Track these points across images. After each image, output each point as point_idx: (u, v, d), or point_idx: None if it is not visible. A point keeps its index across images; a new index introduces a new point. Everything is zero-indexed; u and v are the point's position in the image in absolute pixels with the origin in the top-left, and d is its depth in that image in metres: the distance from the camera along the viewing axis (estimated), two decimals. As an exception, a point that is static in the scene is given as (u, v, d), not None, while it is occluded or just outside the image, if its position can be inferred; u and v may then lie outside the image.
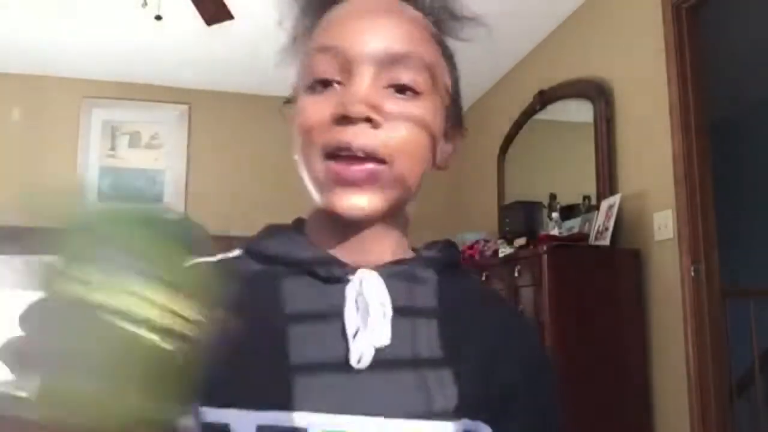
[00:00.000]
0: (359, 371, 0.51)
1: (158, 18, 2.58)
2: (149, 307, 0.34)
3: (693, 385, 2.24)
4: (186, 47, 3.58)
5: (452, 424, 0.52)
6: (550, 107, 3.29)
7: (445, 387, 0.54)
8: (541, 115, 3.37)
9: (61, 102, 4.00)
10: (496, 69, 3.75)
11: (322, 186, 0.55)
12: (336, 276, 0.55)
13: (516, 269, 2.54)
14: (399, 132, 0.54)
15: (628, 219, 2.60)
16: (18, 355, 0.37)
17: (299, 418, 0.50)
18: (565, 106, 3.20)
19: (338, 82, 0.55)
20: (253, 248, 0.61)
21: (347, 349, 0.52)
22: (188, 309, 0.35)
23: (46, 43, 3.56)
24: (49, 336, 0.35)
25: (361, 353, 0.51)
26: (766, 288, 3.56)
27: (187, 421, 0.46)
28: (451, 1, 0.62)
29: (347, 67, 0.54)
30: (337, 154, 0.53)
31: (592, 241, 2.61)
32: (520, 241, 2.90)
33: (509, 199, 3.51)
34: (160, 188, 4.10)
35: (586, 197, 2.87)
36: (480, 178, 3.77)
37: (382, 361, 0.52)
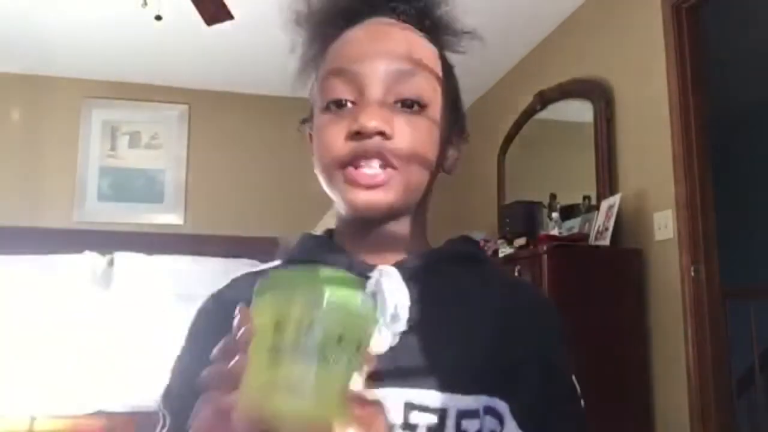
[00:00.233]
0: (383, 354, 0.55)
1: (158, 18, 2.58)
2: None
3: (693, 385, 2.24)
4: (186, 47, 3.58)
5: (472, 398, 0.58)
6: (550, 107, 3.29)
7: (462, 366, 0.59)
8: (541, 115, 3.37)
9: (61, 102, 4.00)
10: (496, 69, 3.75)
11: (343, 191, 0.62)
12: (357, 273, 0.58)
13: (516, 269, 2.54)
14: (407, 143, 0.61)
15: (628, 219, 2.60)
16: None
17: None
18: (565, 106, 3.20)
19: (351, 102, 0.62)
20: (294, 257, 0.70)
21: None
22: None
23: (46, 43, 3.56)
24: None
25: (381, 338, 0.56)
26: (766, 288, 3.56)
27: None
28: (449, 19, 0.69)
29: (359, 87, 0.62)
30: (354, 163, 0.61)
31: (592, 241, 2.61)
32: (520, 241, 2.90)
33: (509, 199, 3.51)
34: (160, 188, 4.10)
35: (586, 197, 2.87)
36: (480, 178, 3.77)
37: (403, 345, 0.58)
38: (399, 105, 0.62)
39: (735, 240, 3.11)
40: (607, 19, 2.90)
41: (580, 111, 3.01)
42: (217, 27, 2.67)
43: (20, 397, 2.30)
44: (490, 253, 3.05)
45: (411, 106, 0.62)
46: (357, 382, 0.45)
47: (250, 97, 4.24)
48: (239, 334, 0.44)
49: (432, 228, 0.73)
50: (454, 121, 0.69)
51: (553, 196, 3.08)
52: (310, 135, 0.69)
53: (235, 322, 0.45)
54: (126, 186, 4.06)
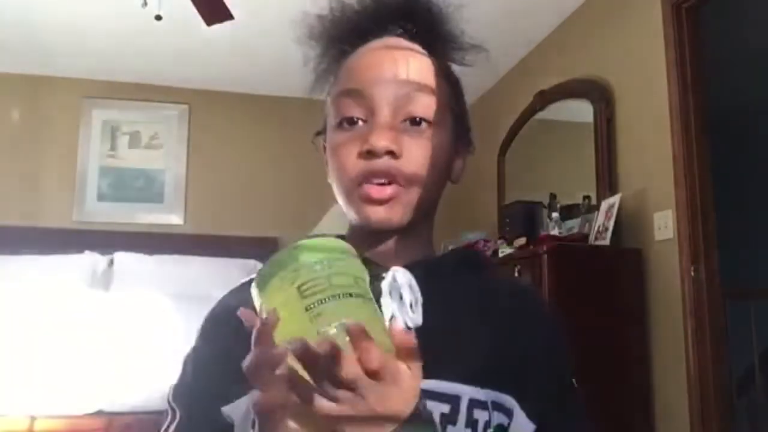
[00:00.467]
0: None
1: (158, 18, 2.58)
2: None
3: (693, 385, 2.24)
4: (186, 47, 3.58)
5: (482, 390, 0.62)
6: (550, 107, 3.29)
7: (472, 360, 0.63)
8: (541, 115, 3.37)
9: (61, 102, 4.00)
10: (496, 69, 3.75)
11: (356, 206, 0.67)
12: (372, 274, 0.62)
13: (516, 269, 2.54)
14: (415, 160, 0.66)
15: (628, 219, 2.60)
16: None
17: None
18: (565, 106, 3.20)
19: (362, 120, 0.67)
20: None
21: None
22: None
23: (46, 43, 3.56)
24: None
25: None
26: (766, 288, 3.56)
27: None
28: (455, 33, 0.73)
29: (369, 106, 0.66)
30: (367, 181, 0.66)
31: (592, 241, 2.61)
32: (520, 241, 2.90)
33: (509, 199, 3.51)
34: (160, 188, 4.10)
35: (586, 197, 2.87)
36: (480, 178, 3.76)
37: (417, 338, 0.60)
38: (407, 123, 0.66)
39: (735, 240, 3.10)
40: (607, 19, 2.90)
41: (580, 111, 3.01)
42: (217, 27, 2.67)
43: (20, 397, 2.30)
44: (490, 253, 3.05)
45: (419, 123, 0.67)
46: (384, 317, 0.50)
47: (250, 97, 4.24)
48: (257, 329, 0.47)
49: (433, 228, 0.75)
50: (461, 133, 0.73)
51: (553, 196, 3.08)
52: (324, 147, 0.74)
53: (250, 328, 0.48)
54: (126, 186, 4.06)
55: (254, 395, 0.46)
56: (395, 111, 0.66)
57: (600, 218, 2.61)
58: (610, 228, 2.51)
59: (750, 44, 3.47)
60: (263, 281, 0.49)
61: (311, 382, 0.45)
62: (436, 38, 0.72)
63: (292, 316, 0.47)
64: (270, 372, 0.45)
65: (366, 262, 0.65)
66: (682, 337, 2.28)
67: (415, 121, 0.66)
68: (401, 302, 0.60)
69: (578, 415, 0.70)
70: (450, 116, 0.70)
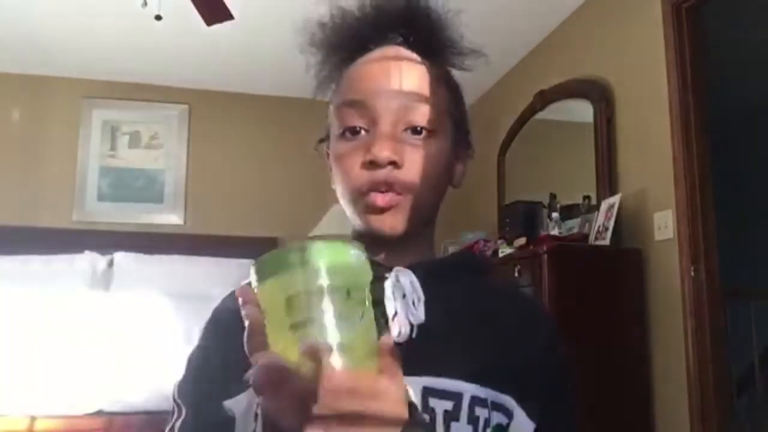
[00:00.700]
0: (402, 345, 0.59)
1: (158, 18, 2.58)
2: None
3: (693, 385, 2.24)
4: (186, 47, 3.58)
5: (482, 389, 0.63)
6: (550, 107, 3.29)
7: (473, 358, 0.64)
8: (541, 115, 3.37)
9: (61, 102, 4.00)
10: (496, 69, 3.75)
11: (361, 214, 0.69)
12: (375, 274, 0.63)
13: (516, 269, 2.54)
14: (417, 170, 0.68)
15: (628, 219, 2.60)
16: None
17: None
18: (565, 106, 3.20)
19: (364, 129, 0.69)
20: None
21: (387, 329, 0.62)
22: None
23: (46, 43, 3.56)
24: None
25: (400, 328, 0.61)
26: (766, 288, 3.56)
27: None
28: (455, 39, 0.74)
29: (371, 116, 0.68)
30: (370, 191, 0.67)
31: (592, 241, 2.61)
32: (520, 241, 2.90)
33: (509, 199, 3.51)
34: (160, 188, 4.10)
35: (586, 197, 2.87)
36: (480, 178, 3.76)
37: (419, 336, 0.62)
38: (408, 132, 0.68)
39: (735, 240, 3.11)
40: (607, 19, 2.90)
41: (580, 111, 3.01)
42: (217, 27, 2.67)
43: (20, 397, 2.30)
44: (490, 253, 3.05)
45: (419, 132, 0.69)
46: (374, 332, 0.49)
47: (250, 97, 4.24)
48: (246, 312, 0.50)
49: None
50: (460, 138, 0.75)
51: (553, 196, 3.08)
52: (327, 153, 0.75)
53: (240, 302, 0.51)
54: (126, 186, 4.05)
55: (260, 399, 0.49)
56: (396, 121, 0.68)
57: (600, 218, 2.61)
58: (610, 228, 2.51)
59: (750, 44, 3.48)
60: (261, 274, 0.49)
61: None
62: (435, 44, 0.73)
63: (278, 327, 0.48)
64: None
65: (370, 263, 0.67)
66: (682, 337, 2.28)
67: (415, 130, 0.68)
68: (404, 300, 0.63)
69: (571, 421, 0.72)
70: (450, 122, 0.72)
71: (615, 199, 2.59)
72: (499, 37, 3.19)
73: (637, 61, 2.68)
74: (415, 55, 0.72)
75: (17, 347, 2.39)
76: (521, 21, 3.21)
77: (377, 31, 0.73)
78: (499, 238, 3.17)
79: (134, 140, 4.11)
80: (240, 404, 0.62)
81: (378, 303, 0.61)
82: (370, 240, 0.69)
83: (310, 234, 3.65)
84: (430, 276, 0.66)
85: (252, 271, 0.50)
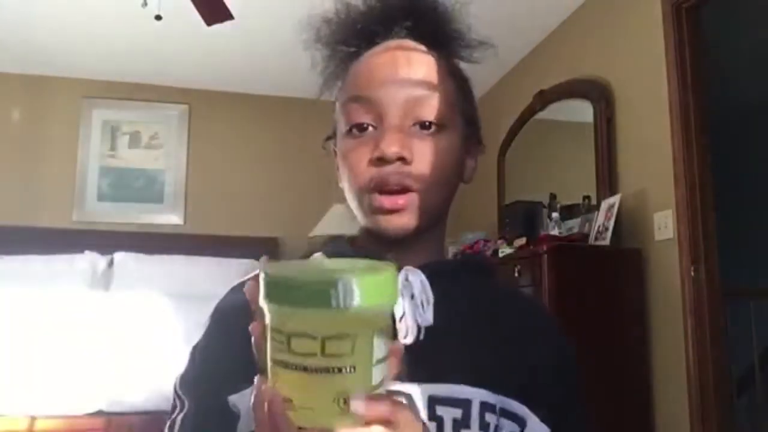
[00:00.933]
0: (409, 349, 0.56)
1: (158, 18, 2.58)
2: None
3: (693, 385, 2.24)
4: (186, 47, 3.58)
5: (493, 395, 0.61)
6: (550, 107, 3.29)
7: (482, 363, 0.63)
8: (541, 115, 3.37)
9: (61, 102, 4.00)
10: (496, 69, 3.75)
11: (369, 214, 0.67)
12: None
13: (516, 269, 2.54)
14: (426, 164, 0.66)
15: (628, 219, 2.60)
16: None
17: None
18: (565, 106, 3.20)
19: (372, 125, 0.66)
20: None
21: (394, 330, 0.59)
22: None
23: (46, 43, 3.56)
24: None
25: (407, 329, 0.60)
26: (766, 288, 3.56)
27: None
28: (462, 31, 0.72)
29: (378, 112, 0.66)
30: (378, 189, 0.65)
31: (592, 241, 2.61)
32: (520, 241, 2.90)
33: (509, 199, 3.51)
34: (160, 188, 4.10)
35: (586, 197, 2.87)
36: (480, 178, 3.75)
37: (426, 341, 0.61)
38: (417, 127, 0.66)
39: (735, 240, 3.10)
40: (607, 19, 2.90)
41: (580, 111, 3.01)
42: (217, 27, 2.67)
43: (20, 397, 2.30)
44: (490, 253, 3.05)
45: (428, 127, 0.66)
46: (379, 379, 0.44)
47: (250, 97, 4.24)
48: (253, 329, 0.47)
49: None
50: (471, 133, 0.73)
51: (553, 196, 3.08)
52: (335, 151, 0.73)
53: (246, 289, 0.48)
54: (126, 186, 4.06)
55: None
56: (404, 115, 0.66)
57: (600, 218, 2.61)
58: (610, 228, 2.51)
59: (750, 44, 3.47)
60: (269, 292, 0.43)
61: None
62: (442, 37, 0.71)
63: (280, 353, 0.43)
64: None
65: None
66: (682, 337, 2.28)
67: (424, 125, 0.66)
68: (413, 301, 0.61)
69: (584, 423, 0.71)
70: (459, 116, 0.70)
71: (615, 199, 2.59)
72: (499, 37, 3.16)
73: (637, 61, 2.68)
74: (422, 47, 0.70)
75: (17, 347, 2.39)
76: (521, 21, 3.21)
77: (383, 24, 0.71)
78: (499, 238, 3.17)
79: (134, 140, 4.11)
80: (245, 399, 0.60)
81: None
82: (377, 238, 0.68)
83: (311, 234, 3.65)
84: (439, 277, 0.65)
85: (262, 282, 0.44)
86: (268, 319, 0.44)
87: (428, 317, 0.61)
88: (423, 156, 0.65)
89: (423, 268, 0.65)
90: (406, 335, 0.60)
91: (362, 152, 0.66)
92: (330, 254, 0.70)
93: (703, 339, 2.24)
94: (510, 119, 3.60)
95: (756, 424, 3.35)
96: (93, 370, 2.39)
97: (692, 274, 2.28)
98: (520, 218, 3.13)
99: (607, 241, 2.51)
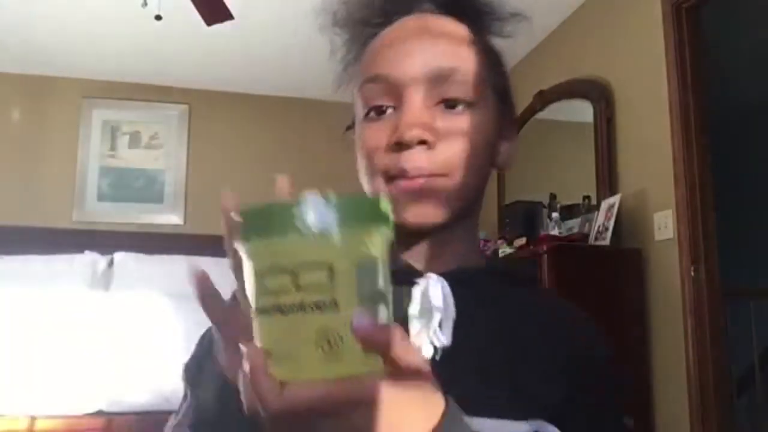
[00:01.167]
0: None
1: (158, 18, 2.58)
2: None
3: (693, 385, 2.24)
4: (186, 47, 3.58)
5: (523, 424, 0.52)
6: (550, 107, 3.28)
7: (509, 389, 0.53)
8: (541, 115, 3.37)
9: (61, 102, 4.00)
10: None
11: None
12: (403, 278, 0.53)
13: (516, 269, 2.54)
14: (453, 148, 0.57)
15: (628, 219, 2.60)
16: None
17: None
18: (565, 106, 3.20)
19: (391, 107, 0.59)
20: None
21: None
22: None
23: (46, 43, 3.56)
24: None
25: (420, 348, 0.52)
26: (766, 288, 3.56)
27: None
28: (490, 2, 0.65)
29: (397, 91, 0.58)
30: (398, 177, 0.57)
31: (592, 241, 2.61)
32: (520, 241, 2.90)
33: (509, 199, 3.51)
34: (160, 188, 4.10)
35: (586, 197, 2.87)
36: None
37: (445, 362, 0.51)
38: (442, 106, 0.58)
39: (735, 240, 3.10)
40: (607, 19, 2.90)
41: (580, 111, 3.01)
42: (217, 27, 2.67)
43: (20, 397, 2.30)
44: (490, 253, 3.05)
45: (455, 106, 0.58)
46: (385, 316, 0.37)
47: (250, 97, 4.24)
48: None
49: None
50: (505, 113, 0.65)
51: (553, 196, 3.08)
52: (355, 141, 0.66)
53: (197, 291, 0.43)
54: (126, 186, 4.05)
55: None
56: (427, 94, 0.58)
57: (600, 218, 2.62)
58: (610, 228, 2.51)
59: (750, 44, 3.47)
60: (247, 229, 0.39)
61: None
62: (470, 9, 0.63)
63: (254, 299, 0.38)
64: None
65: (398, 262, 0.57)
66: (682, 337, 2.28)
67: (450, 103, 0.58)
68: (430, 317, 0.53)
69: None
70: (492, 94, 0.62)
71: (615, 199, 2.59)
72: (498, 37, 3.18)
73: (637, 61, 2.68)
74: (446, 19, 0.62)
75: (17, 347, 2.39)
76: (521, 21, 3.21)
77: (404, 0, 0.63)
78: (499, 238, 3.17)
79: (134, 140, 4.11)
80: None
81: (401, 315, 0.52)
82: (399, 236, 0.57)
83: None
84: (467, 287, 0.56)
85: (243, 213, 0.40)
86: (247, 268, 0.38)
87: (445, 338, 0.53)
88: (448, 140, 0.57)
89: (448, 275, 0.56)
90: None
91: (379, 137, 0.58)
92: None
93: (703, 339, 2.24)
94: (510, 119, 3.59)
95: (756, 424, 3.35)
96: (93, 370, 2.38)
97: (692, 274, 2.28)
98: (520, 218, 3.13)
99: (607, 241, 2.51)
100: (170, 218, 4.07)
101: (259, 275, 0.37)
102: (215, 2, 2.51)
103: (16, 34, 3.45)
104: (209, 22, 2.63)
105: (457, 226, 0.60)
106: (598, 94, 2.87)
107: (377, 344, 0.36)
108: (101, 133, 4.05)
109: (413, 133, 0.56)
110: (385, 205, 0.38)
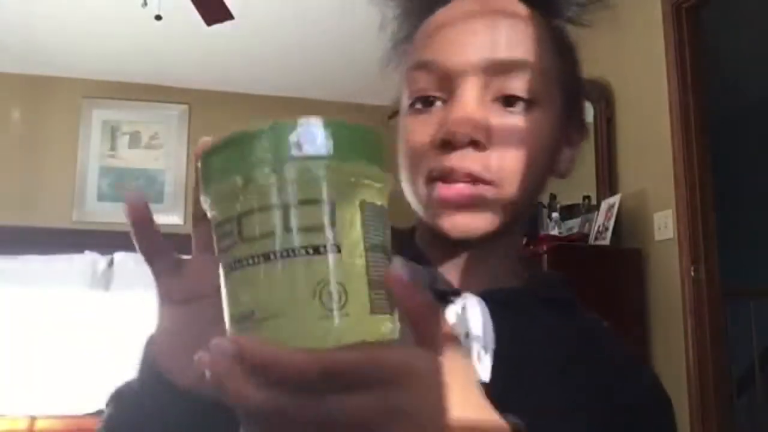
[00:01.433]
0: None
1: (158, 18, 2.58)
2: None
3: (693, 385, 2.24)
4: (186, 47, 3.58)
5: None
6: (550, 107, 3.28)
7: (552, 427, 0.45)
8: (541, 115, 3.36)
9: (61, 102, 4.00)
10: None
11: (427, 209, 0.52)
12: (439, 296, 0.49)
13: (516, 269, 2.54)
14: (507, 153, 0.50)
15: (628, 219, 2.60)
16: None
17: None
18: (565, 106, 3.19)
19: (440, 99, 0.52)
20: None
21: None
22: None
23: (46, 43, 3.56)
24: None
25: None
26: (766, 288, 3.56)
27: None
28: None
29: (448, 82, 0.51)
30: (442, 179, 0.50)
31: (592, 241, 2.61)
32: (520, 241, 2.90)
33: (509, 199, 3.51)
34: (160, 188, 4.10)
35: (586, 197, 2.87)
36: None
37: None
38: (499, 103, 0.51)
39: (735, 240, 3.10)
40: (607, 19, 2.90)
41: (580, 111, 3.01)
42: (217, 27, 2.67)
43: (20, 397, 2.30)
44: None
45: (514, 103, 0.51)
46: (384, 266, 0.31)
47: (250, 97, 4.24)
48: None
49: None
50: (573, 114, 0.57)
51: (553, 196, 3.07)
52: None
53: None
54: (126, 186, 4.05)
55: None
56: (482, 87, 0.50)
57: (600, 218, 2.62)
58: (610, 228, 2.51)
59: (750, 44, 3.47)
60: (204, 172, 0.33)
61: None
62: None
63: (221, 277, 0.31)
64: None
65: (435, 277, 0.51)
66: (682, 337, 2.28)
67: (509, 100, 0.51)
68: (466, 342, 0.46)
69: None
70: (559, 94, 0.54)
71: (615, 199, 2.59)
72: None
73: (637, 61, 2.68)
74: (514, 2, 0.54)
75: (17, 347, 2.39)
76: (521, 21, 3.21)
77: None
78: (499, 238, 3.17)
79: (134, 140, 4.11)
80: None
81: None
82: (436, 240, 0.53)
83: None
84: (510, 309, 0.50)
85: (200, 169, 0.34)
86: (213, 225, 0.32)
87: (483, 372, 0.45)
88: (504, 141, 0.50)
89: (489, 295, 0.50)
90: None
91: (424, 132, 0.51)
92: None
93: (703, 339, 2.24)
94: (510, 119, 3.60)
95: (756, 424, 3.35)
96: (93, 370, 2.38)
97: (692, 274, 2.28)
98: (520, 218, 3.12)
99: (607, 241, 2.51)
100: (170, 218, 4.06)
101: (234, 223, 0.30)
102: (215, 2, 2.51)
103: (16, 34, 3.45)
104: (209, 22, 2.63)
105: (499, 241, 0.53)
106: (598, 94, 2.87)
107: (412, 306, 0.30)
108: (101, 133, 4.05)
109: (463, 132, 0.49)
110: (380, 139, 0.32)
